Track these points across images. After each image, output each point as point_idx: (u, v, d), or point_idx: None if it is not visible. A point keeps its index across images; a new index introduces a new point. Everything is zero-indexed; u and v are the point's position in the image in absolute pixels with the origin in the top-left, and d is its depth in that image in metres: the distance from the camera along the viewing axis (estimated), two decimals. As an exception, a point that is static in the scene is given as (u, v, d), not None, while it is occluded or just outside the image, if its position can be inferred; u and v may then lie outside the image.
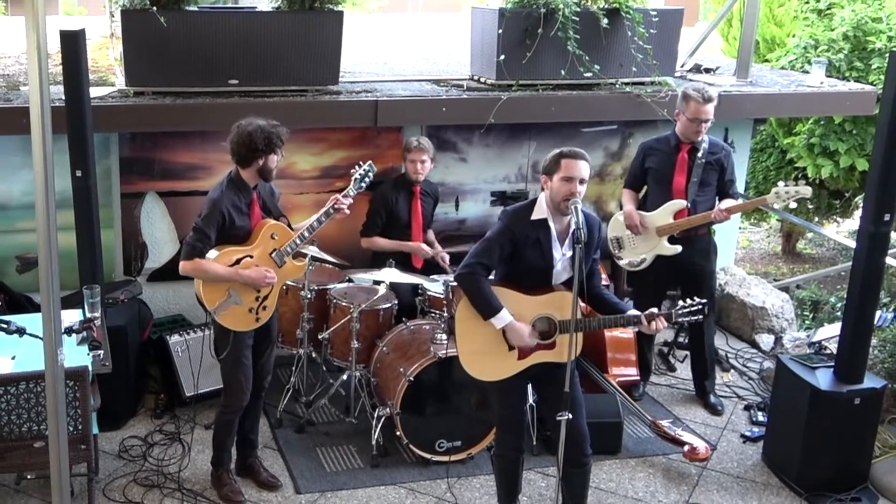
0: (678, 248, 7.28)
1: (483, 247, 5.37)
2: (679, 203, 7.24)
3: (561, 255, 5.36)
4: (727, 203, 7.20)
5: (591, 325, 5.48)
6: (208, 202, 5.84)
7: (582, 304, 5.56)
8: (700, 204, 7.24)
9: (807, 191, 7.04)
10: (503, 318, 5.29)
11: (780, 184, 7.12)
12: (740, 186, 8.84)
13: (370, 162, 6.34)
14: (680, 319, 5.59)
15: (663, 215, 7.30)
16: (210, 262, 5.78)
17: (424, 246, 7.51)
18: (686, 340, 8.32)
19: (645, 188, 7.55)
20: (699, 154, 7.19)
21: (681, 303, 5.56)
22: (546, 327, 5.42)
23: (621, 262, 7.64)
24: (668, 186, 7.28)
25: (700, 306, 5.51)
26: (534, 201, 5.40)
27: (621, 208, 7.64)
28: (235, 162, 5.84)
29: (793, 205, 7.21)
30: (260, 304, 5.96)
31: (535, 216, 5.34)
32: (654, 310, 5.47)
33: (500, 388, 5.54)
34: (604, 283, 6.13)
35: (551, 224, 5.32)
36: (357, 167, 6.28)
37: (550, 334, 5.41)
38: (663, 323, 5.42)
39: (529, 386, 5.85)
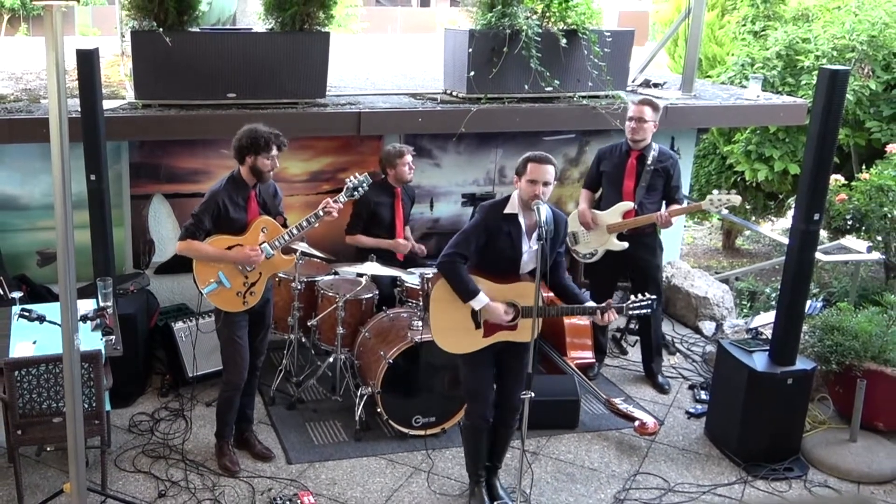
0: (625, 245, 7.35)
1: (461, 238, 5.43)
2: (627, 204, 7.30)
3: (528, 246, 5.41)
4: (671, 208, 7.27)
5: (549, 313, 5.58)
6: (208, 193, 5.93)
7: (546, 294, 5.63)
8: (646, 206, 7.29)
9: (736, 199, 7.14)
10: (481, 300, 5.36)
11: (715, 192, 7.21)
12: (685, 190, 8.89)
13: (366, 174, 6.21)
14: (631, 313, 5.70)
15: (613, 214, 7.35)
16: (201, 244, 5.83)
17: (401, 241, 7.49)
18: (636, 327, 8.38)
19: (601, 189, 7.61)
20: (648, 161, 7.24)
21: (632, 297, 5.63)
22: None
23: (576, 255, 7.70)
24: (619, 189, 7.34)
25: (649, 301, 5.60)
26: (508, 197, 5.46)
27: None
28: (234, 157, 5.90)
29: (724, 212, 7.28)
30: (248, 289, 5.97)
31: (507, 210, 5.40)
32: (611, 301, 5.52)
33: (469, 362, 5.60)
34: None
35: (521, 219, 5.38)
36: (351, 178, 6.16)
37: (514, 318, 5.48)
38: (615, 315, 5.49)
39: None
